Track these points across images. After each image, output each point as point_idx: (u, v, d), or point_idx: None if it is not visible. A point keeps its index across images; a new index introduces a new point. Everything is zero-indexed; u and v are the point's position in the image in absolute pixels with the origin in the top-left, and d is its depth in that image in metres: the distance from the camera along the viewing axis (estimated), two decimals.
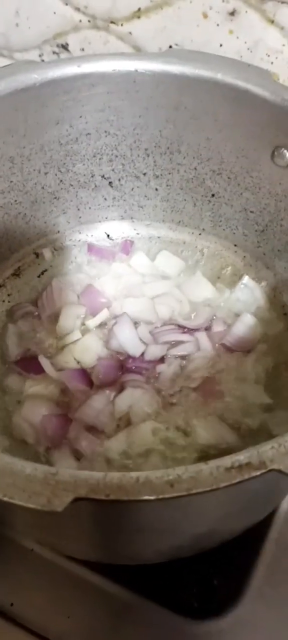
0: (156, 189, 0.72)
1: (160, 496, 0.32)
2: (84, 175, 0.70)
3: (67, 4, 0.74)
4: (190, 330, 0.64)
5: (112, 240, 0.75)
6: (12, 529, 0.54)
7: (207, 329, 0.64)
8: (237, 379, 0.60)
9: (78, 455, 0.55)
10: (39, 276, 0.71)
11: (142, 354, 0.62)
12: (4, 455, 0.34)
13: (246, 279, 0.69)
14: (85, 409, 0.57)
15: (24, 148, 0.64)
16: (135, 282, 0.69)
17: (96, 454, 0.55)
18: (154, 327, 0.64)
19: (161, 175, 0.70)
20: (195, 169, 0.68)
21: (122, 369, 0.61)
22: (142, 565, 0.50)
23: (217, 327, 0.64)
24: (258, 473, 0.32)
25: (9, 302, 0.69)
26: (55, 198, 0.71)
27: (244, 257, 0.72)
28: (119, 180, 0.72)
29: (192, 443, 0.55)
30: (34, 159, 0.65)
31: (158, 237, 0.75)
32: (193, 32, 0.71)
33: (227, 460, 0.33)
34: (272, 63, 0.70)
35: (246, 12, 0.67)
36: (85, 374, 0.60)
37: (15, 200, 0.67)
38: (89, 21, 0.74)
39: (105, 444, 0.55)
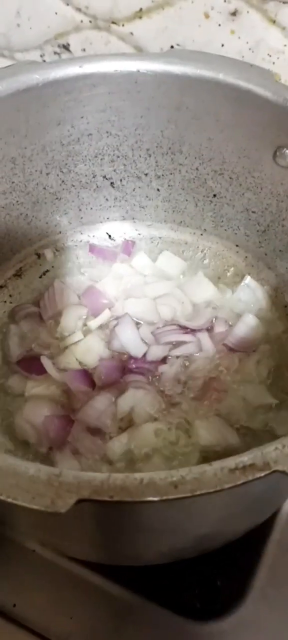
0: (158, 190, 0.72)
1: (164, 497, 0.32)
2: (86, 175, 0.70)
3: (68, 4, 0.74)
4: (192, 331, 0.64)
5: (114, 240, 0.75)
6: (15, 530, 0.54)
7: (209, 329, 0.64)
8: (239, 379, 0.60)
9: (80, 456, 0.55)
10: (40, 277, 0.71)
11: (144, 355, 0.61)
12: (8, 456, 0.34)
13: (248, 279, 0.69)
14: (87, 409, 0.57)
15: (26, 149, 0.64)
16: (137, 283, 0.69)
17: (98, 455, 0.55)
18: (156, 328, 0.64)
19: (163, 175, 0.70)
20: (197, 169, 0.68)
21: (124, 370, 0.61)
22: (145, 567, 0.50)
23: (219, 328, 0.64)
24: (262, 474, 0.32)
25: (10, 302, 0.69)
26: (56, 199, 0.71)
27: (246, 257, 0.72)
28: (121, 180, 0.72)
29: (194, 444, 0.55)
30: (35, 159, 0.65)
31: (160, 238, 0.75)
32: (194, 32, 0.70)
33: (230, 462, 0.33)
34: (273, 63, 0.70)
35: (248, 12, 0.67)
36: (87, 374, 0.60)
37: (17, 201, 0.67)
38: (90, 21, 0.74)
39: (107, 445, 0.55)
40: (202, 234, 0.74)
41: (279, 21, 0.67)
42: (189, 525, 0.40)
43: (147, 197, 0.73)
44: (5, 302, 0.69)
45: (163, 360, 0.61)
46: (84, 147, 0.67)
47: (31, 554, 0.55)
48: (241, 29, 0.69)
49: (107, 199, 0.73)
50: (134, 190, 0.73)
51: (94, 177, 0.71)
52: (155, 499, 0.32)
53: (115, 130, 0.66)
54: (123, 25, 0.73)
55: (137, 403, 0.57)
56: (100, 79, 0.61)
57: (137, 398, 0.58)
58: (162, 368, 0.61)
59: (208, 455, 0.54)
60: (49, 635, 0.51)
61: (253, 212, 0.68)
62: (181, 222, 0.74)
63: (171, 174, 0.70)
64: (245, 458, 0.33)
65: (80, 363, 0.61)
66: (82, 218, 0.74)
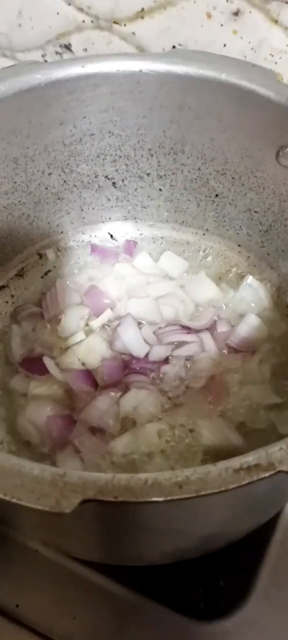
0: (160, 189, 0.72)
1: (169, 498, 0.32)
2: (88, 175, 0.70)
3: (70, 4, 0.74)
4: (195, 331, 0.64)
5: (116, 240, 0.75)
6: (18, 530, 0.54)
7: (211, 329, 0.64)
8: (242, 379, 0.60)
9: (82, 457, 0.55)
10: (42, 277, 0.71)
11: (147, 355, 0.61)
12: (12, 457, 0.34)
13: (250, 279, 0.68)
14: (89, 410, 0.57)
15: (28, 149, 0.64)
16: (139, 283, 0.69)
17: (101, 455, 0.55)
18: (158, 328, 0.64)
19: (165, 175, 0.70)
20: (199, 169, 0.68)
21: (126, 370, 0.61)
22: (148, 567, 0.50)
23: (221, 328, 0.64)
24: (267, 474, 0.32)
25: (12, 303, 0.69)
26: (58, 199, 0.71)
27: (248, 257, 0.72)
28: (123, 180, 0.72)
29: (197, 444, 0.55)
30: (37, 159, 0.65)
31: (162, 238, 0.75)
32: (197, 32, 0.70)
33: (235, 462, 0.33)
34: (275, 63, 0.70)
35: (250, 12, 0.67)
36: (89, 374, 0.60)
37: (19, 201, 0.67)
38: (92, 21, 0.74)
39: (109, 445, 0.55)
40: (204, 234, 0.74)
41: (281, 21, 0.67)
42: (193, 525, 0.40)
43: (149, 197, 0.73)
44: (7, 302, 0.69)
45: (166, 360, 0.61)
46: (86, 147, 0.67)
47: (34, 554, 0.54)
48: (243, 29, 0.69)
49: (109, 199, 0.73)
50: (135, 190, 0.72)
51: (96, 177, 0.71)
52: (160, 499, 0.32)
53: (117, 130, 0.66)
54: (125, 25, 0.73)
55: (139, 403, 0.57)
56: (103, 79, 0.61)
57: (139, 398, 0.58)
58: (165, 368, 0.61)
59: (211, 456, 0.54)
60: (52, 635, 0.51)
61: (255, 212, 0.68)
62: (183, 222, 0.74)
63: (173, 173, 0.70)
64: (249, 458, 0.33)
65: (82, 363, 0.61)
66: (84, 218, 0.74)
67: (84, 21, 0.75)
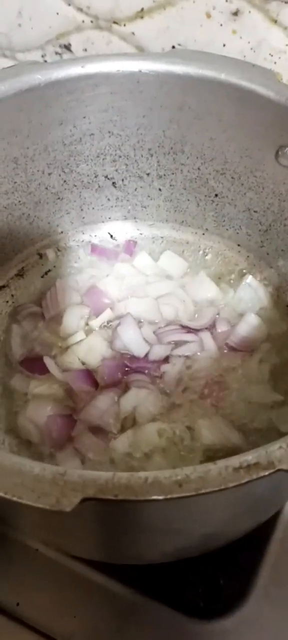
0: (159, 189, 0.72)
1: (169, 496, 0.32)
2: (88, 175, 0.70)
3: (69, 5, 0.74)
4: (194, 330, 0.64)
5: (116, 240, 0.75)
6: (18, 529, 0.54)
7: (211, 328, 0.64)
8: (242, 378, 0.60)
9: (82, 456, 0.55)
10: (42, 277, 0.72)
11: (147, 354, 0.62)
12: (12, 455, 0.34)
13: (250, 278, 0.69)
14: (89, 409, 0.57)
15: (28, 149, 0.64)
16: (139, 283, 0.69)
17: (101, 455, 0.55)
18: (158, 328, 0.64)
19: (164, 175, 0.71)
20: (199, 169, 0.68)
21: (126, 370, 0.61)
22: (148, 566, 0.50)
23: (221, 327, 0.64)
24: (266, 473, 0.32)
25: (12, 302, 0.69)
26: (58, 199, 0.71)
27: (248, 256, 0.72)
28: (122, 180, 0.72)
29: (197, 443, 0.55)
30: (37, 159, 0.65)
31: (162, 237, 0.75)
32: (196, 32, 0.71)
33: (235, 460, 0.33)
34: (275, 63, 0.70)
35: (249, 12, 0.67)
36: (89, 374, 0.60)
37: (19, 201, 0.67)
38: (91, 21, 0.74)
39: (110, 445, 0.55)
40: (203, 234, 0.74)
41: (281, 21, 0.67)
42: (193, 524, 0.41)
43: (148, 196, 0.73)
44: (7, 302, 0.69)
45: (166, 359, 0.62)
46: (86, 147, 0.67)
47: (34, 553, 0.55)
48: (243, 28, 0.69)
49: (108, 199, 0.73)
50: (135, 190, 0.73)
51: (95, 177, 0.71)
52: (160, 497, 0.32)
53: (117, 130, 0.66)
54: (124, 25, 0.73)
55: (139, 403, 0.57)
56: (103, 79, 0.61)
57: (139, 397, 0.58)
58: (165, 368, 0.61)
59: (211, 455, 0.54)
60: (52, 634, 0.51)
61: (255, 211, 0.68)
62: (183, 221, 0.74)
63: (173, 173, 0.70)
64: (249, 457, 0.33)
65: (82, 363, 0.62)
66: (84, 218, 0.74)
67: (83, 21, 0.75)
